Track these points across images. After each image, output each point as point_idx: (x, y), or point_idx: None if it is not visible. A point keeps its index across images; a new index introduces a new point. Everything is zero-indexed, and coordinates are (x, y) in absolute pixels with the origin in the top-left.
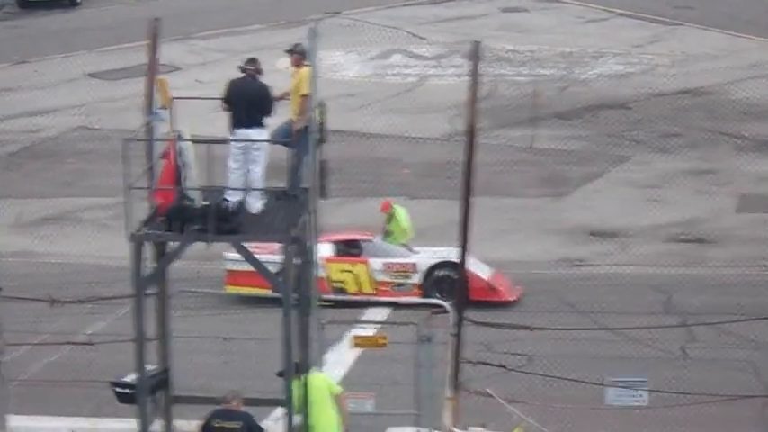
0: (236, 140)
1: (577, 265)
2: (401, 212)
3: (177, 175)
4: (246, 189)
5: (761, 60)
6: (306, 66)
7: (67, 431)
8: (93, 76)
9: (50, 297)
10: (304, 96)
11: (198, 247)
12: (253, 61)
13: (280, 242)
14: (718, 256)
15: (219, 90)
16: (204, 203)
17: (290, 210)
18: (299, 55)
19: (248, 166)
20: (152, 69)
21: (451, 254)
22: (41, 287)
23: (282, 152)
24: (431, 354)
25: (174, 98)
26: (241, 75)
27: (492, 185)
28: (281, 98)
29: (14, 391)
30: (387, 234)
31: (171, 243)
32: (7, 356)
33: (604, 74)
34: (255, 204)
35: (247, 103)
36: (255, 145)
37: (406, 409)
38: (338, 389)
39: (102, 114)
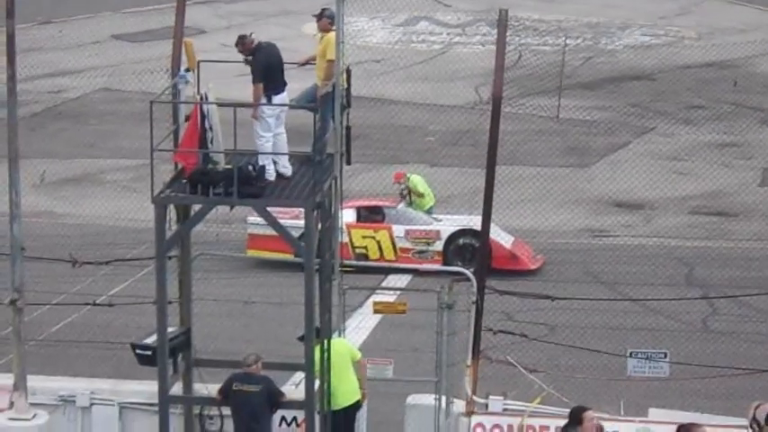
0: (265, 105)
1: (598, 236)
2: (417, 180)
3: (202, 138)
4: (275, 153)
5: None
6: (333, 30)
7: (87, 392)
8: (117, 37)
9: (72, 258)
10: (330, 61)
11: (221, 210)
12: (244, 36)
13: (303, 207)
14: (741, 229)
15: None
16: (228, 167)
17: (314, 175)
18: (327, 19)
19: (277, 130)
20: (179, 32)
21: (474, 222)
22: (63, 248)
23: (307, 117)
24: (451, 321)
25: (199, 61)
26: (246, 48)
27: (516, 154)
28: (307, 62)
29: (33, 351)
30: (410, 203)
31: (194, 206)
32: (27, 317)
33: (630, 45)
34: (288, 169)
35: (280, 67)
36: (285, 108)
37: (426, 377)
38: (359, 354)
39: (125, 76)
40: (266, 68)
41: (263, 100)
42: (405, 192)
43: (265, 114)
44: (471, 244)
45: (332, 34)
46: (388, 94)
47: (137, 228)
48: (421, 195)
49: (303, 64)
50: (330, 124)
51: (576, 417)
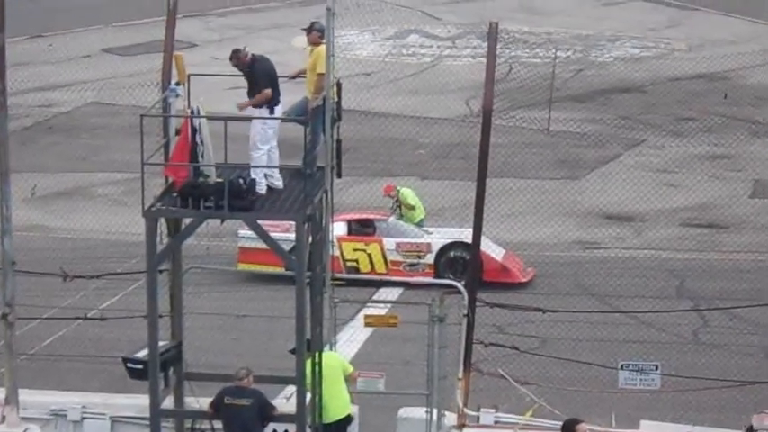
0: (254, 118)
1: (589, 249)
2: (407, 193)
3: (192, 151)
4: (266, 167)
5: None
6: (323, 44)
7: (79, 406)
8: (108, 51)
9: (63, 272)
10: (320, 75)
11: (211, 224)
12: (238, 50)
13: (294, 220)
14: (731, 241)
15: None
16: (218, 180)
17: (304, 188)
18: (317, 33)
19: (271, 143)
20: (169, 45)
21: (465, 234)
22: (54, 262)
23: (298, 130)
24: (443, 334)
25: (190, 74)
26: (241, 61)
27: (507, 167)
28: (297, 76)
29: (24, 365)
30: (400, 216)
31: (185, 219)
32: (18, 331)
33: (620, 57)
34: (279, 182)
35: (276, 80)
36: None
37: (418, 390)
38: (350, 368)
39: (116, 90)
40: (270, 76)
41: (266, 111)
42: (395, 205)
43: (266, 125)
44: (462, 257)
45: (322, 48)
46: (378, 107)
47: (128, 241)
48: (411, 208)
49: (293, 77)
50: (321, 137)
51: (568, 429)
